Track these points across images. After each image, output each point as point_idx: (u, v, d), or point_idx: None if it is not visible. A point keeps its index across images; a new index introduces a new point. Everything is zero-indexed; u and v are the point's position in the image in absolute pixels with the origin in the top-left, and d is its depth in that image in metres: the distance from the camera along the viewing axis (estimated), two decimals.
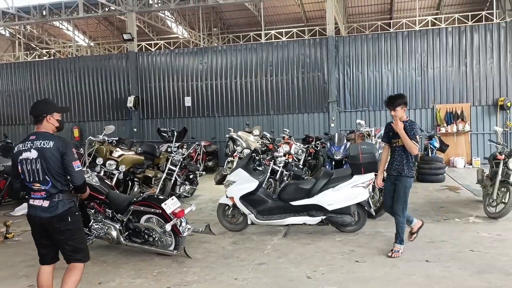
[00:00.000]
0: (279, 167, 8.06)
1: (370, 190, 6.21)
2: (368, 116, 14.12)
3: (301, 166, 10.67)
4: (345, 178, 5.96)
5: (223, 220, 6.56)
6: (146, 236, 5.34)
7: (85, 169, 4.26)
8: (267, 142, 9.92)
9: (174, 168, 8.71)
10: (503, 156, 6.86)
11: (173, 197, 5.18)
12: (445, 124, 13.41)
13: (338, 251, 5.37)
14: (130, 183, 8.78)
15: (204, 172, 10.07)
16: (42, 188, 3.46)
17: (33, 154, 3.45)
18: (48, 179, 3.45)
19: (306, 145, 12.22)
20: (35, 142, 3.48)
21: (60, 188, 3.50)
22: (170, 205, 5.10)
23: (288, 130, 12.49)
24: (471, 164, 13.22)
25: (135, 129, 16.05)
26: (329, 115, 14.37)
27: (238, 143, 11.14)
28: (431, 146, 11.60)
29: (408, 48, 13.81)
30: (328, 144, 10.83)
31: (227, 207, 6.52)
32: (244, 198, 6.19)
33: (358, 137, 11.62)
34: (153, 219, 5.35)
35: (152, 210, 5.22)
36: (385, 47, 13.99)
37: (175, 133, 10.50)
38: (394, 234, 5.26)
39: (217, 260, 5.24)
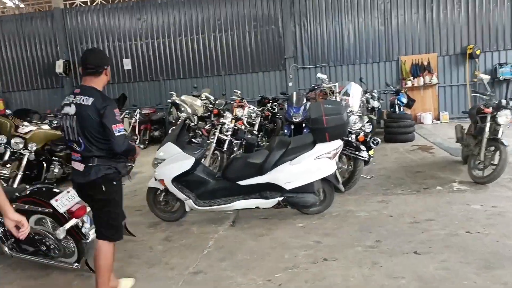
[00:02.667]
0: (226, 135, 6.64)
1: (337, 160, 4.94)
2: (329, 71, 12.79)
3: (255, 132, 9.32)
4: (306, 147, 4.65)
5: (155, 209, 5.14)
6: (37, 244, 3.87)
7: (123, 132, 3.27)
8: (210, 105, 8.36)
9: None
10: (490, 109, 5.75)
11: (70, 189, 3.69)
12: (411, 77, 12.34)
13: (300, 245, 4.11)
14: (45, 165, 7.17)
15: (142, 145, 8.49)
16: (78, 149, 3.13)
17: (72, 109, 3.11)
18: (81, 141, 3.09)
19: (262, 108, 10.85)
20: (77, 96, 3.12)
21: (96, 153, 3.10)
22: (64, 201, 3.60)
23: (239, 92, 11.03)
24: (438, 119, 12.32)
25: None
26: (286, 73, 12.96)
27: (183, 108, 9.60)
28: (398, 102, 10.51)
29: None
30: (286, 105, 9.47)
31: (158, 191, 5.09)
32: (178, 180, 4.77)
33: (319, 95, 10.34)
34: (47, 220, 3.87)
35: (40, 209, 3.73)
36: None
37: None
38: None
39: (138, 269, 3.86)
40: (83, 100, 3.06)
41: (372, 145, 5.98)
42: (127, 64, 13.78)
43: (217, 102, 6.96)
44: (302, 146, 4.67)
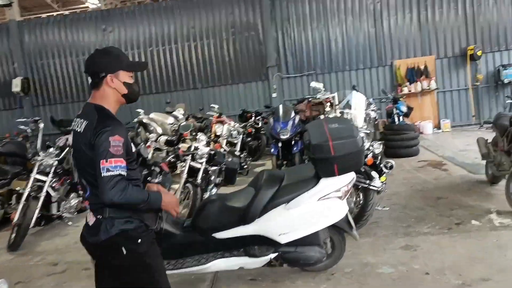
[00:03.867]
0: (200, 163, 5.28)
1: (350, 198, 3.64)
2: (316, 80, 11.59)
3: (237, 153, 8.00)
4: (306, 184, 3.33)
5: None
6: None
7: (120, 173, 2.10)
8: (175, 125, 6.87)
9: (43, 178, 5.70)
10: None
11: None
12: (407, 83, 11.21)
13: None
14: None
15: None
16: (85, 195, 2.28)
17: (70, 139, 2.37)
18: (84, 183, 2.24)
19: (244, 124, 9.58)
20: (76, 119, 2.27)
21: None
22: None
23: (217, 106, 9.72)
24: (439, 128, 11.19)
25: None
26: (269, 83, 11.71)
27: (151, 128, 8.22)
28: (398, 111, 9.32)
29: None
30: (271, 120, 8.19)
31: None
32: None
33: (307, 107, 9.10)
34: None
35: None
36: None
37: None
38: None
39: None
40: (78, 125, 2.23)
41: (384, 169, 4.72)
42: None
43: (182, 125, 5.58)
44: (301, 183, 3.35)
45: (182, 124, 5.53)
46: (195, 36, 11.90)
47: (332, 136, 3.16)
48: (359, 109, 5.04)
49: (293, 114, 7.84)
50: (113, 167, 2.05)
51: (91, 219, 2.24)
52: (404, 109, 9.36)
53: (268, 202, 3.32)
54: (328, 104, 5.37)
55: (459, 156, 7.74)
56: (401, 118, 9.37)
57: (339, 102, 5.26)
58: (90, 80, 2.24)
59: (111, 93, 2.23)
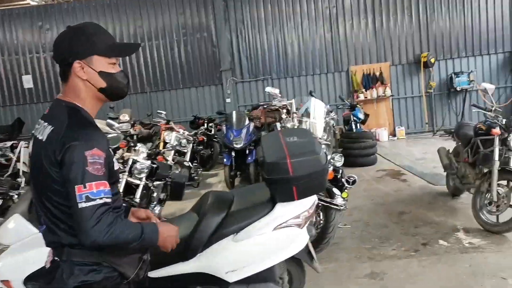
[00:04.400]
0: (139, 179, 4.60)
1: (310, 226, 3.12)
2: (271, 85, 11.15)
3: (186, 163, 7.36)
4: (259, 210, 2.77)
5: None
6: None
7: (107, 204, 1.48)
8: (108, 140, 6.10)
9: None
10: (499, 130, 4.25)
11: None
12: (363, 89, 11.01)
13: None
14: None
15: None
16: (40, 228, 1.74)
17: (30, 148, 1.73)
18: (40, 212, 1.65)
19: (195, 131, 8.96)
20: (40, 123, 1.66)
21: (64, 239, 1.60)
22: None
23: (164, 112, 9.01)
24: (394, 135, 11.06)
25: None
26: (223, 87, 11.15)
27: None
28: (355, 118, 9.05)
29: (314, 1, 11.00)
30: (224, 127, 7.64)
31: None
32: (37, 280, 2.70)
33: (262, 113, 8.60)
34: None
35: None
36: None
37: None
38: None
39: None
40: (40, 131, 1.63)
41: (346, 184, 4.27)
42: (27, 81, 11.24)
43: (110, 137, 4.83)
44: (253, 208, 2.80)
45: (110, 136, 4.78)
46: (143, 37, 11.12)
47: (291, 153, 2.63)
48: (318, 117, 4.58)
49: (247, 121, 7.33)
50: (94, 193, 1.48)
51: (49, 259, 1.64)
52: (361, 116, 9.11)
53: (214, 232, 2.73)
54: (285, 111, 4.87)
55: (417, 165, 7.52)
56: (358, 125, 9.12)
57: (297, 109, 4.80)
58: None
59: (82, 86, 1.63)
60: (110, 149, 1.79)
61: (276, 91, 4.49)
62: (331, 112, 8.66)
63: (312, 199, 2.82)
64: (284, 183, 2.65)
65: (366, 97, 10.91)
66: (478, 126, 4.66)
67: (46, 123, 1.61)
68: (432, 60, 10.70)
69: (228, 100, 11.04)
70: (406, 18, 10.98)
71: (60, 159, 1.50)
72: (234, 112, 7.12)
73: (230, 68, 11.04)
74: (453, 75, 10.77)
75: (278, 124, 6.02)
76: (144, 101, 11.25)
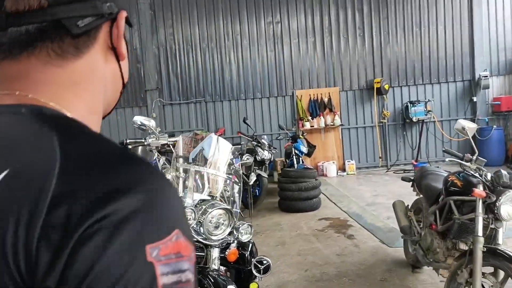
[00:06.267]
0: None
1: None
2: (205, 108, 9.64)
3: None
4: None
5: None
6: None
7: None
8: None
9: None
10: (481, 191, 2.85)
11: None
12: (309, 117, 9.68)
13: None
14: None
15: None
16: None
17: None
18: None
19: None
20: None
21: None
22: None
23: None
24: (344, 170, 9.74)
25: None
26: (147, 110, 9.47)
27: None
28: (296, 151, 7.64)
29: (256, 15, 9.66)
30: None
31: None
32: None
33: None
34: None
35: None
36: (223, 12, 9.61)
37: None
38: None
39: None
40: None
41: (256, 273, 2.72)
42: None
43: None
44: None
45: None
46: None
47: None
48: (220, 163, 3.03)
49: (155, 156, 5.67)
50: None
51: None
52: (304, 149, 7.73)
53: None
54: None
55: (367, 214, 6.11)
56: (301, 160, 7.71)
57: (188, 152, 3.21)
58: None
59: (107, 75, 0.63)
60: None
61: (151, 122, 2.94)
62: (269, 146, 7.24)
63: None
64: None
65: (312, 126, 9.58)
66: (450, 179, 3.25)
67: None
68: (386, 86, 9.57)
69: None
70: (358, 39, 9.86)
71: (62, 272, 0.41)
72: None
73: (156, 88, 9.42)
74: (408, 104, 9.65)
75: None
76: None
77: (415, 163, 8.79)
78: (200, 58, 9.62)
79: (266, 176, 7.14)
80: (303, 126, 9.53)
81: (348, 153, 9.92)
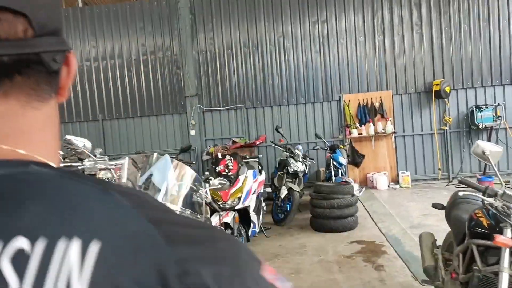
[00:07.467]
0: None
1: None
2: (246, 115, 9.21)
3: None
4: None
5: None
6: None
7: None
8: None
9: None
10: (508, 238, 2.06)
11: None
12: (357, 124, 8.85)
13: None
14: None
15: None
16: None
17: None
18: None
19: None
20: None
21: None
22: None
23: (99, 150, 7.16)
24: (397, 182, 8.76)
25: None
26: (187, 116, 9.26)
27: None
28: (335, 162, 6.92)
29: (299, 15, 9.04)
30: None
31: None
32: None
33: (219, 150, 6.66)
34: None
35: None
36: (265, 13, 9.14)
37: None
38: None
39: None
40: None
41: None
42: None
43: None
44: None
45: None
46: (96, 56, 9.47)
47: None
48: (179, 195, 2.53)
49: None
50: None
51: None
52: (343, 160, 7.01)
53: None
54: (111, 175, 2.60)
55: (407, 239, 5.25)
56: (340, 172, 6.98)
57: (138, 174, 2.70)
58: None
59: (55, 112, 0.52)
60: None
61: (85, 143, 2.43)
62: (288, 150, 6.65)
63: None
64: None
65: (361, 134, 8.73)
66: (476, 216, 2.46)
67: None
68: (447, 89, 8.45)
69: (192, 132, 9.14)
70: (415, 36, 8.84)
71: None
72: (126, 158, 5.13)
73: (196, 94, 9.17)
74: (474, 108, 8.45)
75: None
76: (95, 131, 9.50)
77: (479, 176, 7.61)
78: (240, 62, 9.21)
79: (298, 191, 6.52)
80: (350, 133, 8.72)
81: (403, 163, 8.91)
